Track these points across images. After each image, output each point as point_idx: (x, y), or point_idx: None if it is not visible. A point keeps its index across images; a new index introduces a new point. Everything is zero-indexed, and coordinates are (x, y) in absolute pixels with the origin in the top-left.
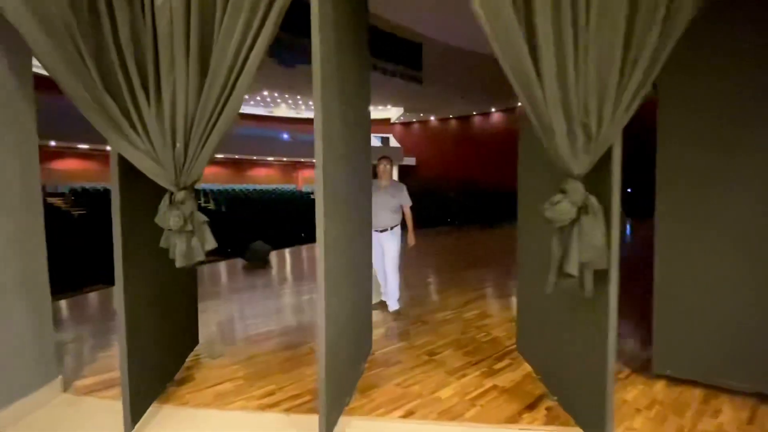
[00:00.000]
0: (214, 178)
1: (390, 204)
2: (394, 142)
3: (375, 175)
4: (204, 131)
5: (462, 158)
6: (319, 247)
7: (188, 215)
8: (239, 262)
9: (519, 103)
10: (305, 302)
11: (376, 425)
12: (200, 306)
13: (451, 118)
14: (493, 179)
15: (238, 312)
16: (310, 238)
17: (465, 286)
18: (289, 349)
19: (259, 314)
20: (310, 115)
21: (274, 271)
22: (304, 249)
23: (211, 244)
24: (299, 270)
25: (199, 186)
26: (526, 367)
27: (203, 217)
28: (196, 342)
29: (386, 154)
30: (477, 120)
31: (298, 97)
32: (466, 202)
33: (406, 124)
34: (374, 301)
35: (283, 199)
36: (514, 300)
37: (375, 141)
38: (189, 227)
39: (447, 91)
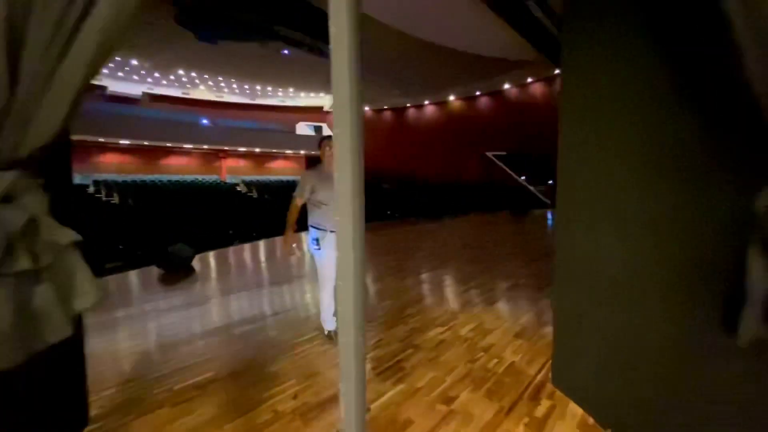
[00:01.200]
0: (118, 168)
1: None
2: (328, 131)
3: (318, 160)
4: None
5: (397, 150)
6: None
7: (22, 231)
8: (154, 272)
9: (451, 96)
10: (249, 330)
11: None
12: (97, 346)
13: (386, 109)
14: (430, 171)
15: (156, 350)
16: (240, 237)
17: (443, 290)
18: (239, 409)
19: (187, 353)
20: (235, 99)
21: (199, 281)
22: (232, 251)
23: (87, 298)
24: (231, 278)
25: (97, 176)
26: (575, 409)
27: (68, 237)
28: (83, 425)
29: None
30: (412, 112)
31: (220, 78)
32: (405, 195)
33: None
34: (328, 329)
35: (205, 192)
36: (506, 306)
37: (307, 129)
38: (24, 263)
39: (384, 80)
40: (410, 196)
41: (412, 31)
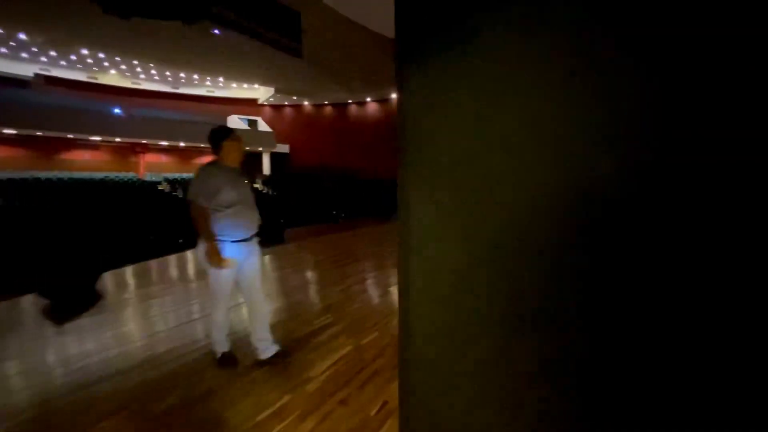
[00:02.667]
0: (1, 163)
1: (252, 197)
2: (264, 126)
3: (216, 155)
4: None
5: (340, 147)
6: None
7: None
8: (35, 304)
9: (393, 95)
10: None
11: None
12: None
13: (326, 104)
14: (374, 169)
15: None
16: (166, 247)
17: None
18: None
19: None
20: (154, 87)
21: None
22: (155, 265)
23: None
24: (149, 308)
25: None
26: None
27: None
28: None
29: (257, 138)
30: (354, 108)
31: (135, 62)
32: (350, 194)
33: (277, 107)
34: (221, 350)
35: (119, 191)
36: None
37: (240, 123)
38: None
39: (324, 73)
40: (356, 194)
41: (361, 19)
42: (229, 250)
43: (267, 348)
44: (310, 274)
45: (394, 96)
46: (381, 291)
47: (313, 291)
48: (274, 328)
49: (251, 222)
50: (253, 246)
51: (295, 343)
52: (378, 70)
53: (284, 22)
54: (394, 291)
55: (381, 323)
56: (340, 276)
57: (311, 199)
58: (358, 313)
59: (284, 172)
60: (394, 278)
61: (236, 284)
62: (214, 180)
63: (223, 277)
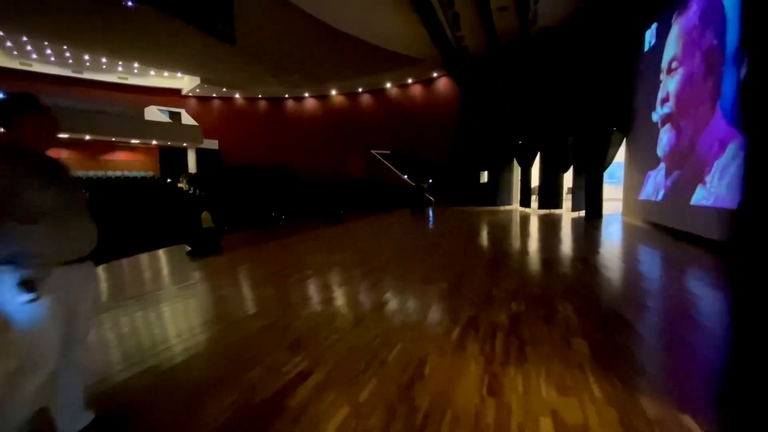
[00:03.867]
0: None
1: (82, 199)
2: (188, 119)
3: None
4: None
5: (276, 144)
6: None
7: None
8: None
9: (333, 91)
10: None
11: None
12: None
13: (260, 98)
14: (313, 168)
15: None
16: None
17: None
18: None
19: None
20: (50, 70)
21: None
22: None
23: None
24: None
25: None
26: None
27: None
28: None
29: (179, 132)
30: (291, 104)
31: (25, 38)
32: (290, 194)
33: (205, 99)
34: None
35: None
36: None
37: (160, 115)
38: None
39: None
40: (297, 194)
41: (308, 7)
42: (45, 281)
43: (76, 417)
44: (262, 295)
45: (334, 92)
46: (356, 313)
47: (271, 319)
48: (225, 380)
49: (82, 236)
50: (87, 271)
51: (262, 408)
52: (320, 64)
53: (215, 1)
54: (374, 313)
55: (375, 364)
56: (300, 295)
57: (247, 200)
58: (340, 349)
59: (214, 170)
60: (366, 295)
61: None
62: (6, 177)
63: (42, 323)
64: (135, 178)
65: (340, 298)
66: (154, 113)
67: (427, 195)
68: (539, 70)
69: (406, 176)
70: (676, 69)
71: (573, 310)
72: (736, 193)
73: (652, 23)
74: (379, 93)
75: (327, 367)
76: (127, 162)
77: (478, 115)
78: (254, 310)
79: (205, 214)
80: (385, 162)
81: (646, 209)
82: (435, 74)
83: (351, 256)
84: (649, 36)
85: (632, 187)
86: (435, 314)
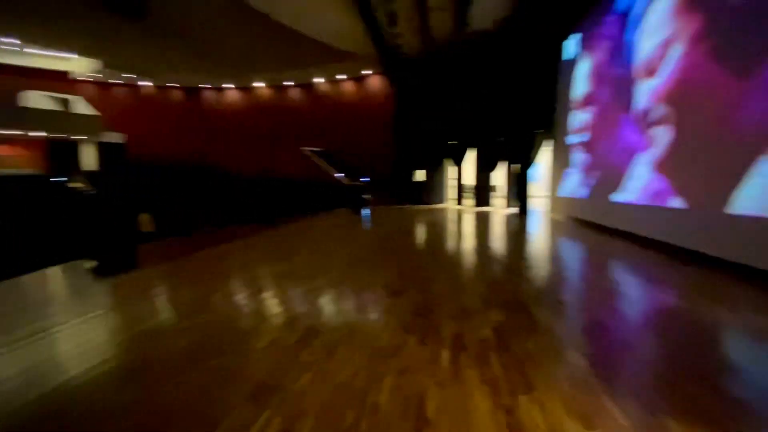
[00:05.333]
0: None
1: None
2: (85, 108)
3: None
4: None
5: (194, 139)
6: None
7: None
8: None
9: (259, 83)
10: None
11: None
12: None
13: (174, 86)
14: (240, 165)
15: None
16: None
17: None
18: None
19: None
20: None
21: None
22: None
23: None
24: None
25: None
26: None
27: None
28: None
29: (70, 123)
30: (209, 95)
31: None
32: (214, 194)
33: (105, 86)
34: None
35: None
36: None
37: (43, 101)
38: None
39: (173, 49)
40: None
41: None
42: None
43: None
44: (199, 324)
45: (260, 84)
46: (325, 340)
47: (217, 358)
48: None
49: None
50: None
51: None
52: (245, 54)
53: None
54: (346, 338)
55: (367, 411)
56: (250, 322)
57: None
58: (317, 394)
59: (119, 166)
60: (330, 315)
61: None
62: None
63: None
64: (15, 176)
65: (300, 321)
66: (37, 99)
67: (365, 194)
68: (472, 73)
69: (341, 174)
70: (591, 98)
71: (549, 314)
72: (647, 191)
73: (570, 35)
74: (308, 87)
75: (308, 424)
76: (2, 156)
77: (413, 114)
78: (193, 346)
79: (144, 216)
80: (318, 160)
81: (569, 206)
82: (368, 71)
83: (300, 266)
84: (570, 46)
85: (556, 184)
86: (415, 334)
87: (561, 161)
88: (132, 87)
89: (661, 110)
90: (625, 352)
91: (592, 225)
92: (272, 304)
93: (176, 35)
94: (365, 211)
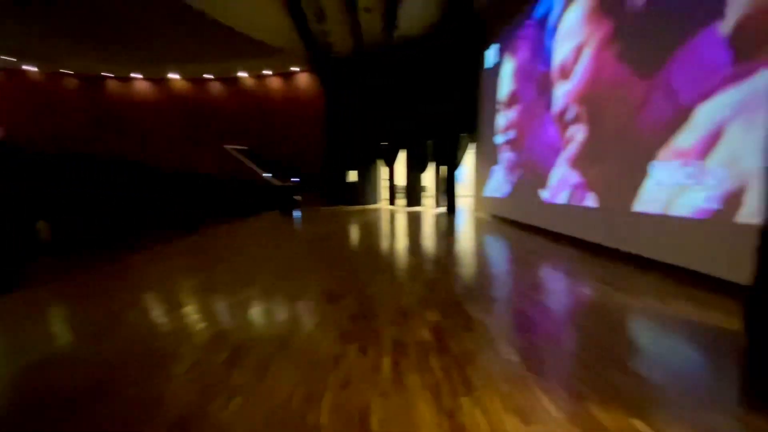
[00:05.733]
0: None
1: None
2: None
3: None
4: None
5: (95, 133)
6: None
7: None
8: None
9: (174, 74)
10: None
11: None
12: None
13: (69, 74)
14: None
15: None
16: None
17: None
18: None
19: None
20: None
21: None
22: None
23: None
24: None
25: None
26: None
27: None
28: None
29: None
30: (114, 85)
31: None
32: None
33: None
34: None
35: None
36: None
37: None
38: None
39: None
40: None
41: None
42: None
43: None
44: (111, 348)
45: (175, 76)
46: (257, 358)
47: (133, 387)
48: None
49: None
50: None
51: None
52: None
53: None
54: (279, 353)
55: None
56: (168, 342)
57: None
58: (250, 421)
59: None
60: (261, 327)
61: None
62: None
63: None
64: None
65: (227, 338)
66: None
67: (295, 196)
68: (403, 75)
69: (269, 175)
70: (515, 100)
71: (481, 311)
72: (565, 190)
73: (492, 45)
74: (232, 82)
75: None
76: None
77: (344, 114)
78: (99, 375)
79: (41, 223)
80: (244, 159)
81: (494, 205)
82: (296, 68)
83: (225, 276)
84: (490, 55)
85: (481, 185)
86: (355, 343)
87: (485, 163)
88: (15, 73)
89: (575, 111)
90: (552, 344)
91: (514, 223)
92: (194, 320)
93: (73, 21)
94: (296, 213)
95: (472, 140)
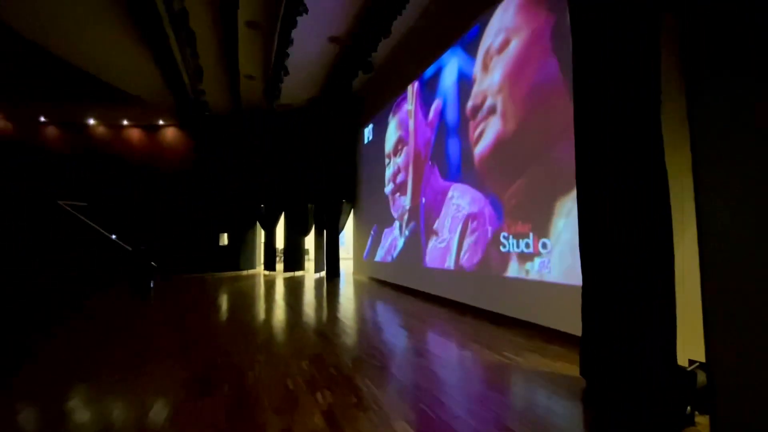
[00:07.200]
0: None
1: None
2: None
3: None
4: None
5: None
6: None
7: None
8: None
9: (43, 118)
10: None
11: None
12: None
13: None
14: None
15: None
16: None
17: None
18: None
19: None
20: None
21: None
22: None
23: None
24: None
25: None
26: None
27: None
28: None
29: None
30: None
31: None
32: None
33: None
34: None
35: None
36: None
37: None
38: None
39: None
40: None
41: None
42: None
43: None
44: None
45: None
46: None
47: None
48: None
49: None
50: None
51: None
52: None
53: None
54: None
55: None
56: None
57: None
58: None
59: None
60: None
61: None
62: None
63: None
64: None
65: None
66: None
67: (152, 262)
68: (284, 140)
69: (113, 236)
70: (401, 149)
71: (373, 385)
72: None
73: (369, 124)
74: (78, 129)
75: None
76: None
77: (218, 174)
78: None
79: None
80: (80, 217)
81: (373, 269)
82: (162, 121)
83: (59, 369)
84: (368, 132)
85: (360, 249)
86: None
87: (362, 228)
88: None
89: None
90: (442, 412)
91: (388, 284)
92: None
93: None
94: (151, 284)
95: (351, 206)
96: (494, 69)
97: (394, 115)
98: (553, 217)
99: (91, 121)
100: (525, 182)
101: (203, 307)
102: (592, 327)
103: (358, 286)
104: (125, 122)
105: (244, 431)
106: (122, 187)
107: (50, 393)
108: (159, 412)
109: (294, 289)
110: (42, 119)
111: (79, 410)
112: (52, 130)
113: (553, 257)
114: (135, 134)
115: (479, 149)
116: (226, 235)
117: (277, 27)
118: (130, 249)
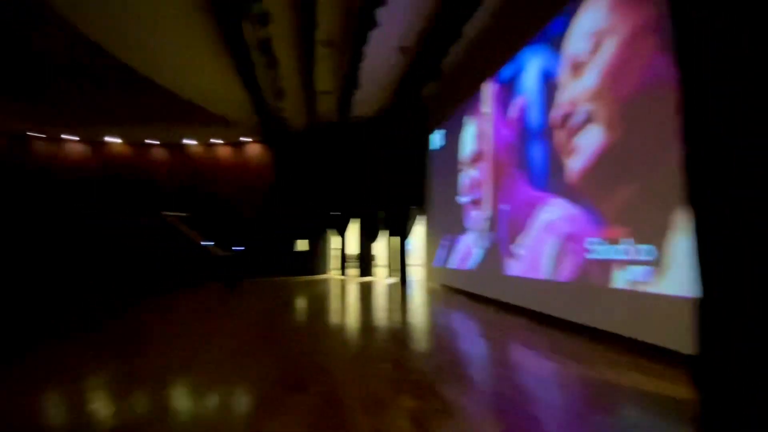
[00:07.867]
0: None
1: None
2: None
3: None
4: None
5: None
6: None
7: None
8: None
9: (112, 138)
10: None
11: None
12: None
13: None
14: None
15: None
16: None
17: None
18: None
19: None
20: None
21: None
22: None
23: None
24: None
25: None
26: None
27: None
28: None
29: None
30: (40, 145)
31: None
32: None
33: None
34: None
35: None
36: None
37: None
38: None
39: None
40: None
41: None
42: None
43: None
44: None
45: (114, 140)
46: None
47: None
48: None
49: None
50: None
51: None
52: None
53: None
54: None
55: None
56: None
57: None
58: None
59: None
60: (226, 423)
61: None
62: None
63: None
64: None
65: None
66: None
67: (239, 265)
68: (355, 150)
69: (210, 243)
70: (479, 155)
71: (459, 393)
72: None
73: (438, 128)
74: (177, 148)
75: None
76: None
77: (295, 184)
78: None
79: None
80: (183, 227)
81: (445, 276)
82: (247, 138)
83: (161, 362)
84: (437, 138)
85: (431, 255)
86: None
87: (434, 235)
88: None
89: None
90: (533, 424)
91: (463, 292)
92: (106, 417)
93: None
94: (242, 285)
95: (421, 212)
96: (587, 73)
97: (467, 118)
98: (662, 226)
99: (186, 141)
100: (629, 191)
101: (286, 308)
102: (710, 345)
103: (431, 293)
104: (215, 140)
105: (336, 428)
106: (213, 198)
107: (167, 375)
108: (256, 402)
109: (367, 294)
110: (149, 141)
111: (188, 396)
112: (158, 151)
113: (662, 268)
114: (223, 151)
115: (577, 162)
116: (301, 241)
117: (350, 42)
118: (225, 254)
